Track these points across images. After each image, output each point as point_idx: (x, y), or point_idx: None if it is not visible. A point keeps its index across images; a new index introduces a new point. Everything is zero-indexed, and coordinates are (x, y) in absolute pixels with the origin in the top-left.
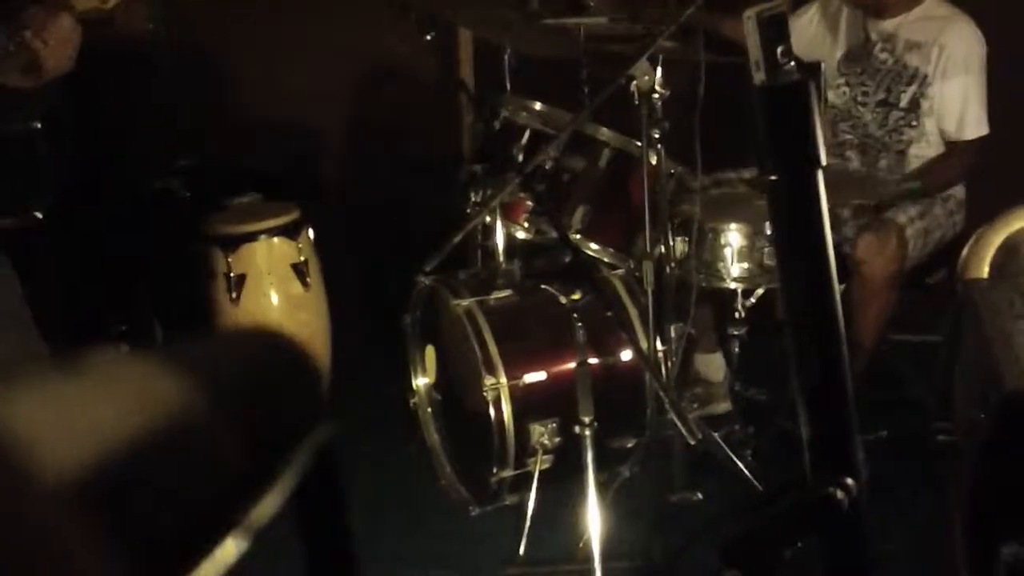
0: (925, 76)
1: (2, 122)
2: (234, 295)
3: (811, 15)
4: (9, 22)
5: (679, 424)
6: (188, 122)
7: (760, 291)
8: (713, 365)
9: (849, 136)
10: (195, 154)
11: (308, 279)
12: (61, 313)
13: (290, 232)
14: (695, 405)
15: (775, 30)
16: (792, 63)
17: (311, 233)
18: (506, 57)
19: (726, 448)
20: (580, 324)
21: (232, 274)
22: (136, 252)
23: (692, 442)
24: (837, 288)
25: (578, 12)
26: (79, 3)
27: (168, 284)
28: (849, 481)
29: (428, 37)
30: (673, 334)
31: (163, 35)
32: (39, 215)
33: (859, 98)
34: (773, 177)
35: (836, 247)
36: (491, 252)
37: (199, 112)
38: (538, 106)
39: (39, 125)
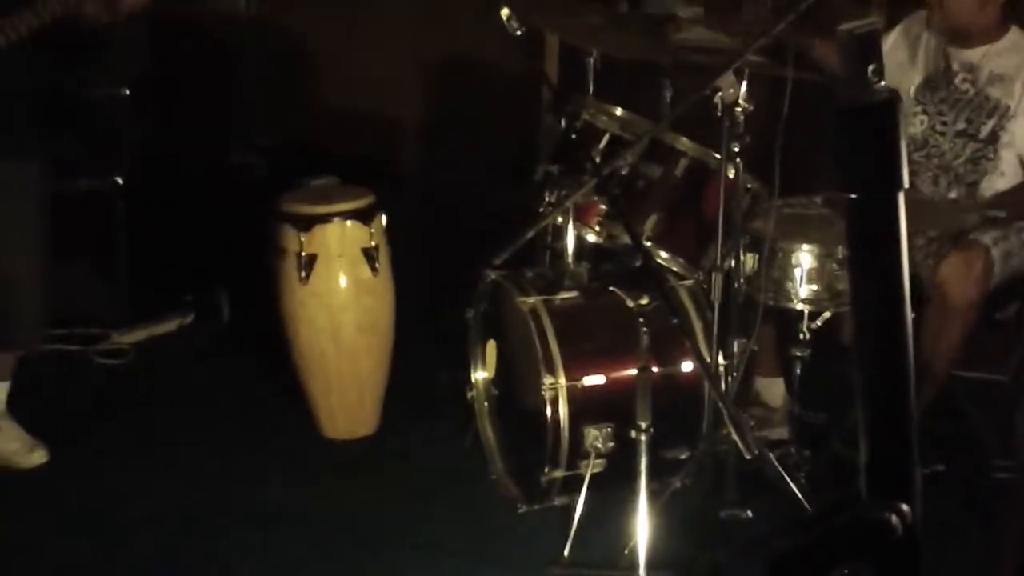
0: (1008, 108)
1: (91, 85)
2: (303, 274)
3: (893, 38)
4: None
5: (736, 438)
6: (271, 102)
7: (827, 315)
8: (773, 390)
9: (921, 165)
10: (276, 133)
11: (377, 264)
12: (134, 278)
13: (363, 216)
14: (752, 425)
15: (867, 47)
16: (882, 82)
17: (384, 219)
18: (591, 60)
19: (780, 468)
20: (645, 330)
21: (303, 253)
22: (210, 224)
23: (748, 457)
24: (910, 315)
25: (669, 22)
26: None
27: (239, 259)
28: (904, 508)
29: (517, 34)
30: (736, 349)
31: (253, 15)
32: (120, 180)
33: (937, 127)
34: (852, 196)
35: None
36: (560, 253)
37: (283, 93)
38: (619, 111)
39: (127, 91)
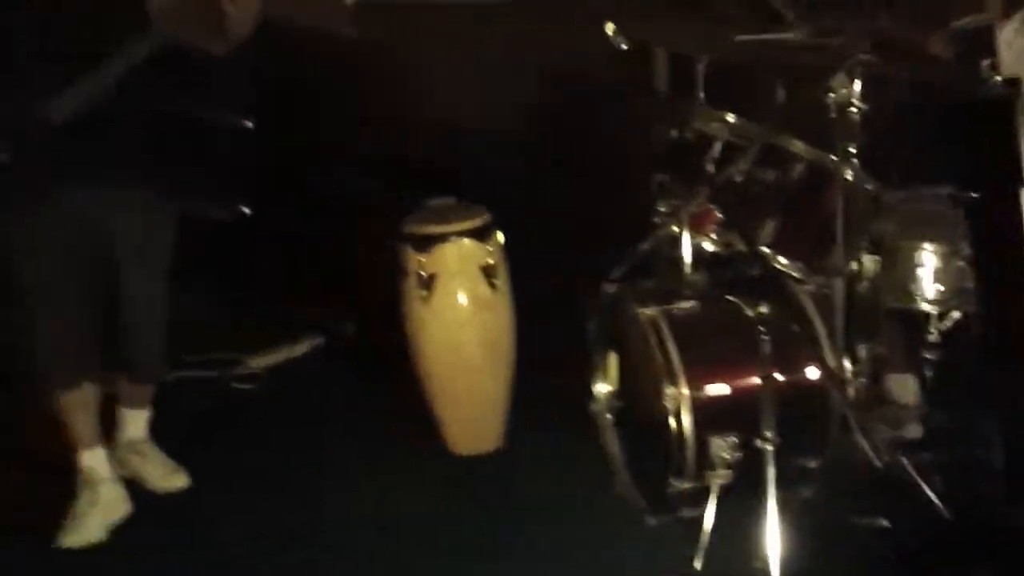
0: None
1: (215, 114)
2: (425, 293)
3: (1014, 27)
4: None
5: (865, 446)
6: (388, 124)
7: (956, 314)
8: (905, 386)
9: None
10: (394, 155)
11: (496, 281)
12: (262, 303)
13: (480, 235)
14: (884, 426)
15: (982, 43)
16: (998, 78)
17: (500, 236)
18: (699, 67)
19: (914, 473)
20: (767, 337)
21: (424, 273)
22: (335, 248)
23: (878, 464)
24: None
25: (775, 24)
26: None
27: (363, 280)
28: None
29: (623, 47)
30: (862, 354)
31: (366, 39)
32: (245, 208)
33: None
34: (974, 195)
35: None
36: (677, 262)
37: (398, 114)
38: (730, 117)
39: (249, 120)
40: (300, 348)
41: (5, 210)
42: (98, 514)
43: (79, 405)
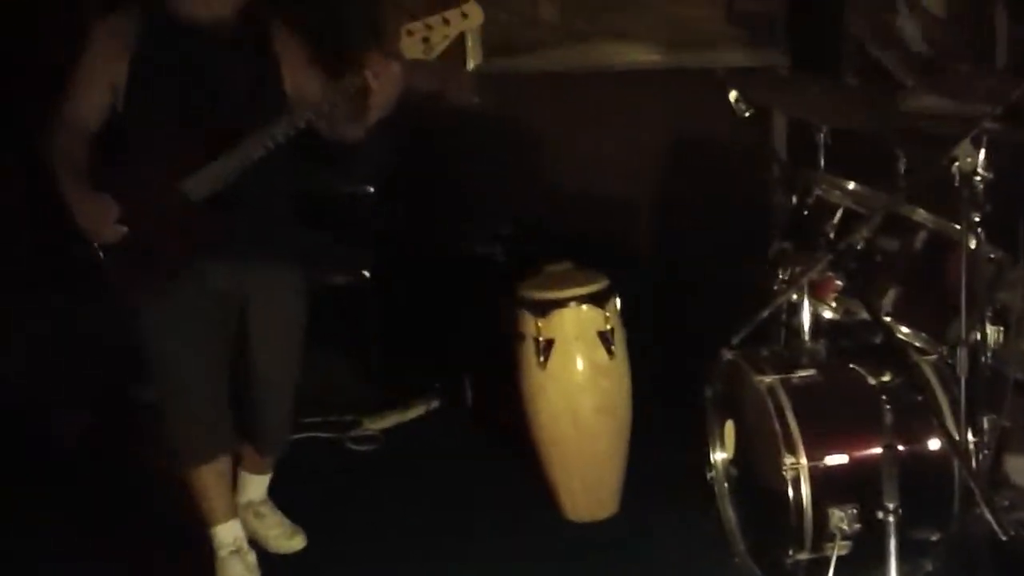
0: None
1: (337, 183)
2: (542, 359)
3: None
4: (351, 67)
5: (990, 519)
6: (507, 189)
7: None
8: None
9: None
10: (513, 220)
11: (613, 347)
12: (382, 366)
13: (598, 300)
14: (1004, 508)
15: None
16: None
17: (618, 302)
18: (821, 134)
19: None
20: (888, 406)
21: (541, 338)
22: (453, 312)
23: (1003, 538)
24: None
25: (897, 91)
26: (407, 51)
27: (482, 345)
28: None
29: (747, 114)
30: (986, 426)
31: (486, 105)
32: (367, 273)
33: None
34: None
35: None
36: (796, 330)
37: (517, 180)
38: (852, 185)
39: (372, 188)
40: (417, 411)
41: (145, 287)
42: None
43: (215, 478)
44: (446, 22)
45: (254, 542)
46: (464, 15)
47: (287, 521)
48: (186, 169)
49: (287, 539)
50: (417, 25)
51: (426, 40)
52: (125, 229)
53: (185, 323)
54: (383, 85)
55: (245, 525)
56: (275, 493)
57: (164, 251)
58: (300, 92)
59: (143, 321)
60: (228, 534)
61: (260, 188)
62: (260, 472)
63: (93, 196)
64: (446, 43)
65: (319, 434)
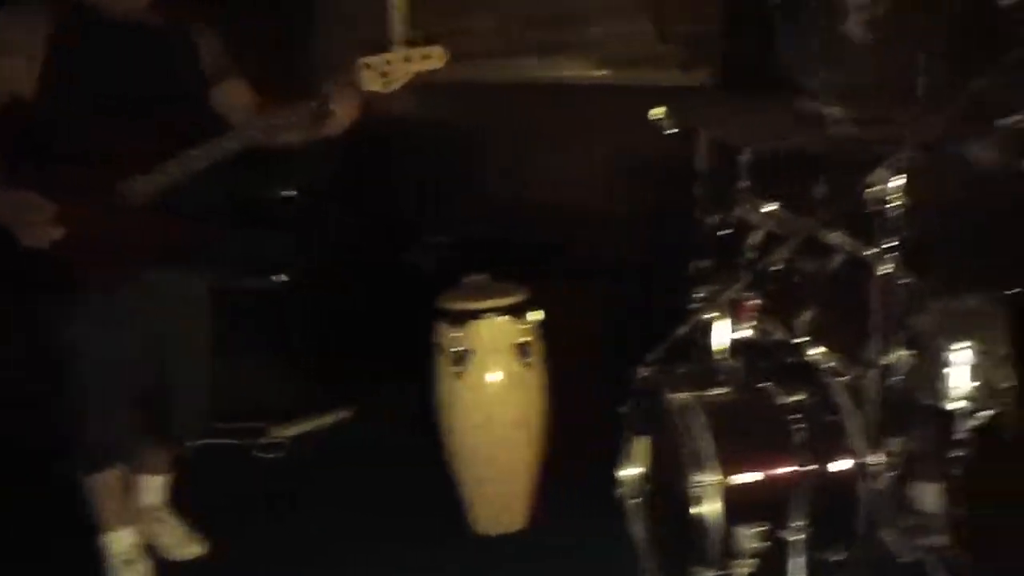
0: None
1: (260, 187)
2: (457, 369)
3: None
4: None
5: (894, 542)
6: (441, 201)
7: (988, 413)
8: (930, 496)
9: None
10: (444, 232)
11: (530, 359)
12: (294, 373)
13: (515, 312)
14: (907, 534)
15: None
16: None
17: (538, 315)
18: (744, 156)
19: (941, 571)
20: (801, 426)
21: (458, 348)
22: (373, 321)
23: (904, 561)
24: None
25: (821, 116)
26: (365, 83)
27: (398, 354)
28: None
29: (671, 132)
30: (894, 449)
31: (424, 116)
32: (285, 279)
33: None
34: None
35: None
36: (712, 349)
37: (450, 192)
38: (772, 206)
39: (295, 193)
40: (327, 420)
41: (82, 289)
42: None
43: (113, 483)
44: (407, 60)
45: (152, 548)
46: (426, 56)
47: (185, 528)
48: (125, 172)
49: (185, 546)
50: (377, 60)
51: (384, 75)
52: (62, 230)
53: (109, 329)
54: (342, 113)
55: (143, 531)
56: (177, 499)
57: (102, 256)
58: (225, 96)
59: (64, 324)
60: (121, 542)
61: (188, 195)
62: (156, 472)
63: (14, 190)
64: (405, 80)
65: (225, 440)
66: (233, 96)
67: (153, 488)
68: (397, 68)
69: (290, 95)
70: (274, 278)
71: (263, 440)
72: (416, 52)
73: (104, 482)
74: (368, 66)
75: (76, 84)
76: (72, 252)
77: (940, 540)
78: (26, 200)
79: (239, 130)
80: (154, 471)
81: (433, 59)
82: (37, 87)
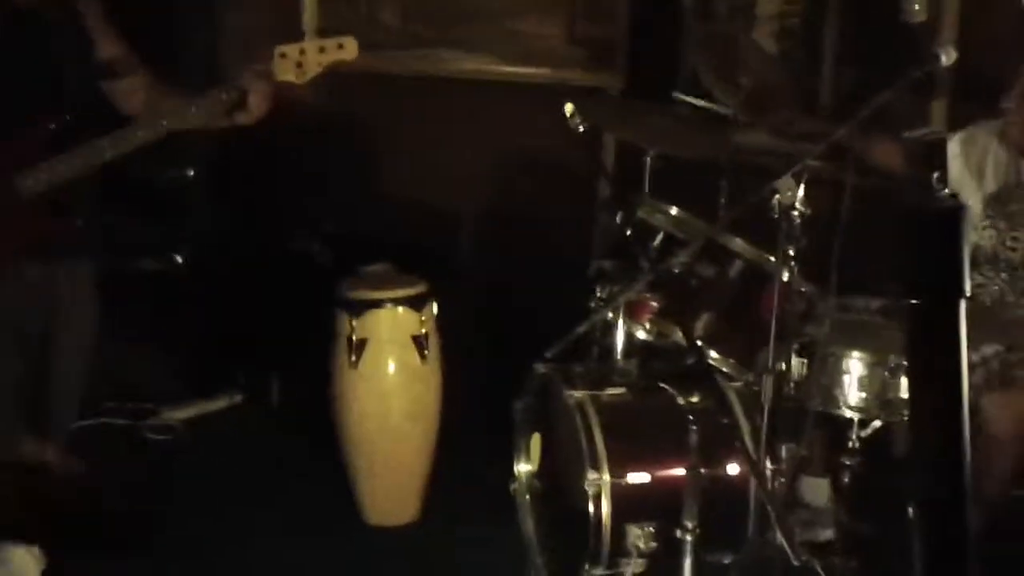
0: None
1: (158, 168)
2: (354, 358)
3: (953, 147)
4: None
5: (785, 544)
6: (337, 190)
7: (876, 424)
8: (819, 490)
9: (987, 281)
10: (339, 221)
11: (427, 352)
12: (186, 356)
13: (414, 303)
14: (797, 528)
15: (933, 154)
16: (947, 190)
17: (435, 307)
18: (648, 159)
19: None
20: (694, 428)
21: (354, 338)
22: (267, 307)
23: (795, 563)
24: (968, 427)
25: (726, 123)
26: (279, 72)
27: (293, 342)
28: None
29: (580, 130)
30: (784, 454)
31: (324, 105)
32: (180, 259)
33: (1008, 242)
34: (914, 301)
35: None
36: (610, 348)
37: (349, 182)
38: (674, 210)
39: (191, 173)
40: (219, 404)
41: None
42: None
43: None
44: (322, 50)
45: None
46: (340, 46)
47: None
48: (20, 164)
49: None
50: (292, 49)
51: (299, 65)
52: None
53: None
54: (256, 103)
55: None
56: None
57: None
58: (125, 88)
59: None
60: None
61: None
62: None
63: None
64: (319, 71)
65: (114, 420)
66: (132, 90)
67: None
68: (311, 58)
69: (197, 84)
70: (171, 259)
71: (154, 422)
72: (331, 43)
73: None
74: (284, 55)
75: None
76: None
77: (827, 534)
78: None
79: (148, 121)
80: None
81: (347, 50)
82: None
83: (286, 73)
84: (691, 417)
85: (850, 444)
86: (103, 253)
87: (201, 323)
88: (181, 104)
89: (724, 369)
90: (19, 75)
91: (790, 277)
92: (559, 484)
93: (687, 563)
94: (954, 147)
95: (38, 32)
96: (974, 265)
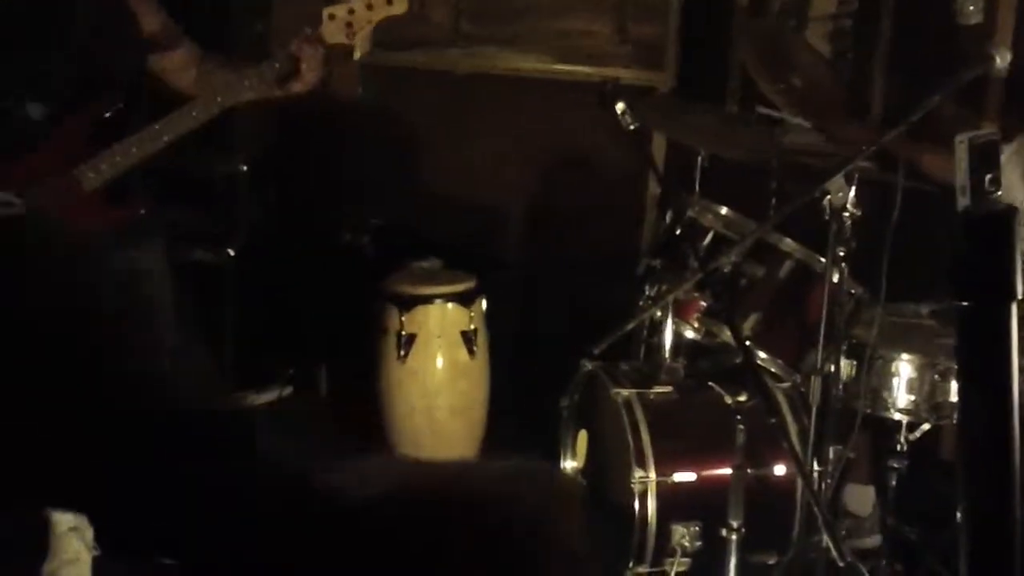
0: None
1: (210, 161)
2: (402, 353)
3: (1007, 154)
4: (280, 56)
5: (831, 545)
6: (384, 185)
7: (925, 427)
8: (862, 498)
9: None
10: (387, 215)
11: (475, 348)
12: (235, 348)
13: (464, 299)
14: (843, 533)
15: (986, 157)
16: (999, 192)
17: (484, 304)
18: (699, 158)
19: None
20: (741, 428)
21: (403, 333)
22: (316, 300)
23: (840, 565)
24: (1017, 431)
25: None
26: (329, 36)
27: (341, 335)
28: None
29: (631, 128)
30: (831, 456)
31: (371, 102)
32: (231, 252)
33: None
34: (964, 304)
35: None
36: (657, 347)
37: (396, 177)
38: (724, 210)
39: (244, 168)
40: (267, 396)
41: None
42: (89, 559)
43: None
44: (369, 7)
45: None
46: (388, 2)
47: None
48: (77, 157)
49: None
50: (340, 8)
51: (349, 25)
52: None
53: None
54: (309, 70)
55: None
56: None
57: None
58: (171, 63)
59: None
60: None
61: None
62: None
63: None
64: (369, 29)
65: None
66: (181, 65)
67: None
68: (360, 16)
69: (244, 55)
70: (222, 251)
71: None
72: None
73: None
74: (332, 16)
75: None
76: None
77: (872, 541)
78: None
79: (203, 99)
80: None
81: (395, 5)
82: None
83: (336, 35)
84: (738, 417)
85: (898, 447)
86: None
87: (250, 315)
88: (233, 78)
89: (772, 370)
90: (62, 57)
91: (839, 278)
92: (605, 482)
93: (731, 563)
94: (1007, 153)
95: (78, 9)
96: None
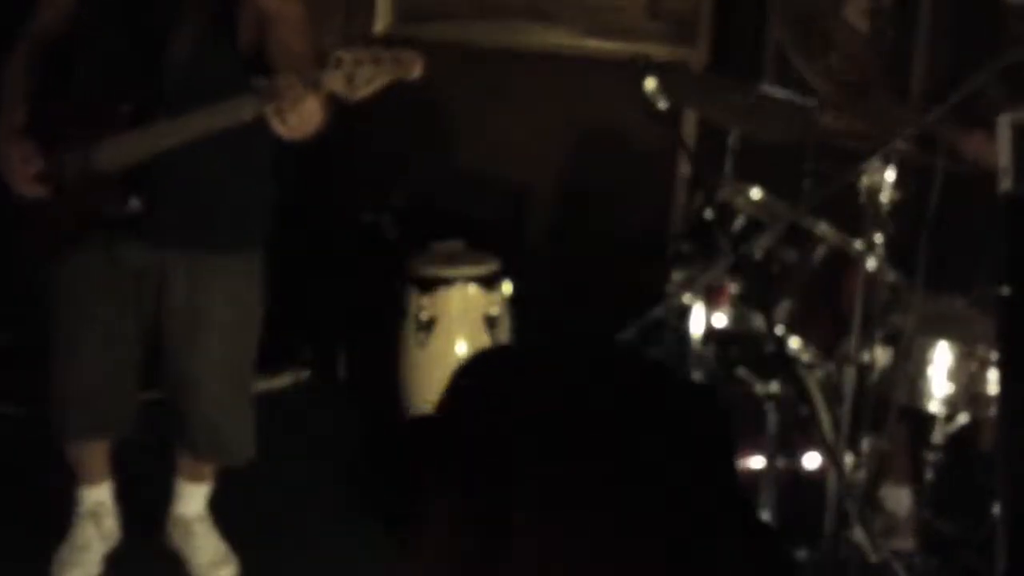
0: None
1: None
2: (422, 337)
3: None
4: (264, 90)
5: (864, 539)
6: (407, 164)
7: (963, 419)
8: (899, 499)
9: None
10: (409, 195)
11: (498, 332)
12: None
13: (487, 283)
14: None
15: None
16: None
17: (509, 287)
18: (731, 139)
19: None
20: (773, 418)
21: (423, 316)
22: (335, 281)
23: (873, 560)
24: None
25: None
26: (329, 83)
27: (361, 317)
28: None
29: (660, 107)
30: (866, 447)
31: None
32: None
33: None
34: (1005, 290)
35: None
36: (686, 333)
37: (417, 155)
38: (757, 193)
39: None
40: (284, 379)
41: (40, 249)
42: (101, 549)
43: (88, 452)
44: (376, 63)
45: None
46: (397, 61)
47: (222, 547)
48: (102, 132)
49: (213, 568)
50: (347, 56)
51: (351, 80)
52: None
53: (87, 294)
54: (297, 119)
55: (171, 539)
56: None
57: (57, 217)
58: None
59: (45, 281)
60: (90, 497)
61: (193, 160)
62: (195, 480)
63: (16, 140)
64: (370, 89)
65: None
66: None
67: (192, 497)
68: (364, 70)
69: None
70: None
71: None
72: (388, 56)
73: (81, 450)
74: (339, 62)
75: (94, 27)
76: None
77: (907, 543)
78: (23, 151)
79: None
80: (194, 478)
81: (405, 66)
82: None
83: (335, 83)
84: (769, 407)
85: (935, 440)
86: (245, 243)
87: (268, 298)
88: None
89: (804, 358)
90: (120, 21)
91: (876, 264)
92: None
93: None
94: None
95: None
96: None
